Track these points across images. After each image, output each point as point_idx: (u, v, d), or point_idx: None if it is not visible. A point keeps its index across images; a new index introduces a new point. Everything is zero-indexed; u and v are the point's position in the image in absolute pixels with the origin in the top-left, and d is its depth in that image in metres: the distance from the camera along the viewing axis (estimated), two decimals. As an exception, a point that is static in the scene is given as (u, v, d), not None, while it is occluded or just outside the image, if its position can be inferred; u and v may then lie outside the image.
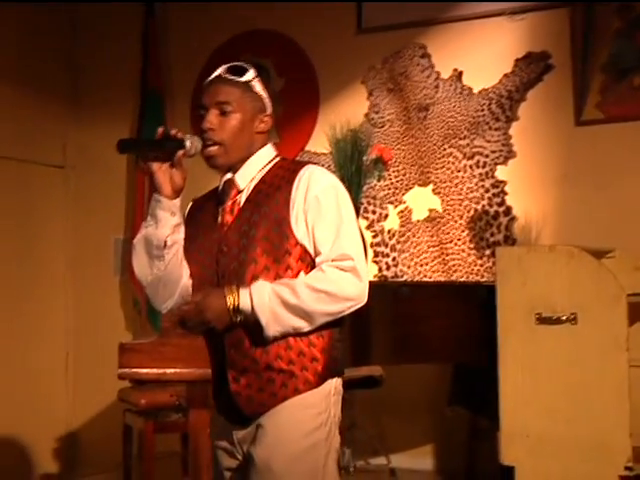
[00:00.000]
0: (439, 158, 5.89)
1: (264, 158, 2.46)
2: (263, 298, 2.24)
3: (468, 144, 5.80)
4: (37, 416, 6.33)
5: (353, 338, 4.23)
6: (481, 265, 5.70)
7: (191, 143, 2.36)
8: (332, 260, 2.28)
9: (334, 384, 2.42)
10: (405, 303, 4.46)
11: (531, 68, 5.65)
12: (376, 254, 5.99)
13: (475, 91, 5.79)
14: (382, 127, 6.05)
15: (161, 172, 2.36)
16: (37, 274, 6.45)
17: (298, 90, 6.31)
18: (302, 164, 2.43)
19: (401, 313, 4.45)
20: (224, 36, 6.54)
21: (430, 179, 5.91)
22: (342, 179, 4.79)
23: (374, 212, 6.03)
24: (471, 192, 5.77)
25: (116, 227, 6.75)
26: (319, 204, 2.32)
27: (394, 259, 5.98)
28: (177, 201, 2.40)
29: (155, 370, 4.25)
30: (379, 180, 5.53)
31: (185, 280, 2.45)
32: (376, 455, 5.80)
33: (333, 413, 2.41)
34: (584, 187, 5.48)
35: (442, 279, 5.81)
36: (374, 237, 6.01)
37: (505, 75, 5.70)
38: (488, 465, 4.81)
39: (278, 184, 2.38)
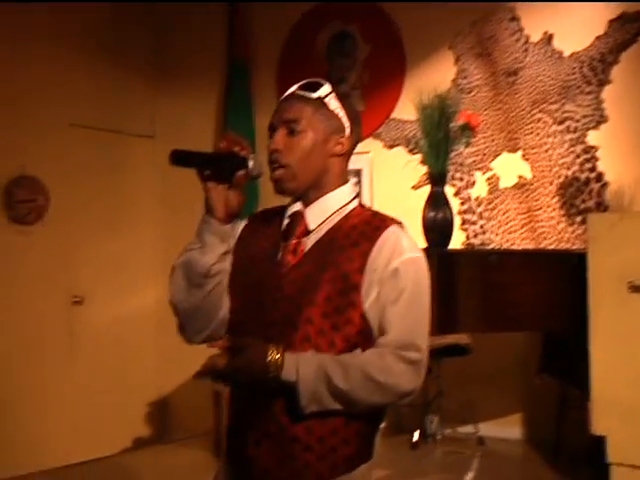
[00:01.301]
0: (528, 124, 5.78)
1: (342, 199, 2.12)
2: (309, 374, 1.91)
3: (558, 109, 5.67)
4: (128, 381, 6.49)
5: (439, 305, 4.21)
6: (571, 232, 5.60)
7: (254, 163, 2.09)
8: (397, 347, 1.97)
9: (364, 472, 2.07)
10: (493, 271, 4.41)
11: (625, 29, 5.48)
12: (463, 222, 5.94)
13: (566, 54, 5.66)
14: (470, 93, 5.97)
15: (216, 191, 2.09)
16: (129, 242, 6.58)
17: (384, 57, 6.26)
18: (386, 221, 2.07)
19: (489, 281, 4.41)
20: (310, 4, 6.52)
21: (519, 145, 5.81)
22: (429, 146, 4.81)
23: (461, 179, 5.97)
24: (561, 158, 5.66)
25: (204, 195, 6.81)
26: (398, 279, 1.99)
27: (482, 227, 5.91)
28: (229, 227, 2.11)
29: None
30: (466, 147, 5.47)
31: (224, 314, 2.14)
32: (464, 423, 5.78)
33: None
34: (680, 152, 5.32)
35: (531, 247, 5.72)
36: (461, 204, 5.95)
37: (597, 37, 5.54)
38: (578, 435, 4.76)
39: (356, 239, 2.04)
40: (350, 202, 2.13)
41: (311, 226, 2.09)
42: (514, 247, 5.77)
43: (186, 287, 2.11)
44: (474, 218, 5.94)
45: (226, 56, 6.70)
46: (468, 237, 5.94)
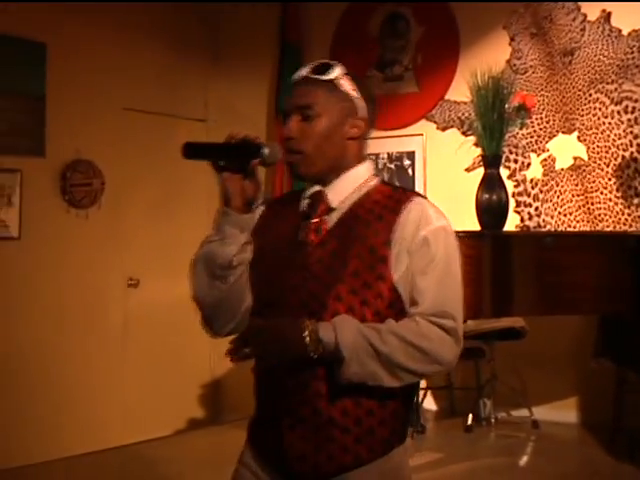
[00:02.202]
0: (585, 104, 5.68)
1: (361, 176, 2.08)
2: (348, 334, 1.88)
3: (616, 89, 5.57)
4: (182, 363, 6.54)
5: (493, 288, 4.17)
6: (629, 214, 5.50)
7: (270, 151, 2.01)
8: (431, 315, 1.93)
9: (402, 454, 2.04)
10: (549, 253, 4.35)
11: (684, 6, 5.36)
12: (518, 204, 5.87)
13: (624, 32, 5.55)
14: (525, 73, 5.89)
15: (232, 181, 2.02)
16: (182, 225, 6.62)
17: (437, 38, 6.21)
18: (408, 194, 2.04)
19: (545, 263, 4.35)
20: (362, -15, 6.49)
21: (575, 126, 5.72)
22: (483, 128, 4.75)
23: (516, 161, 5.90)
24: (619, 139, 5.56)
25: (257, 179, 6.83)
26: (428, 248, 1.95)
27: (537, 209, 5.84)
28: (248, 217, 2.05)
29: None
30: (521, 128, 5.40)
31: (248, 304, 2.10)
32: (518, 407, 5.73)
33: None
34: None
35: (587, 229, 5.64)
36: (516, 187, 5.89)
37: (657, 15, 5.43)
38: (636, 419, 4.69)
39: (379, 212, 2.00)
40: (369, 179, 2.08)
41: (333, 203, 2.04)
42: (570, 229, 5.69)
43: (209, 281, 2.06)
44: (529, 200, 5.87)
45: (278, 40, 6.69)
46: (523, 219, 5.88)
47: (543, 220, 5.81)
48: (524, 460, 5.12)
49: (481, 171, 4.92)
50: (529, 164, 5.87)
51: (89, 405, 5.85)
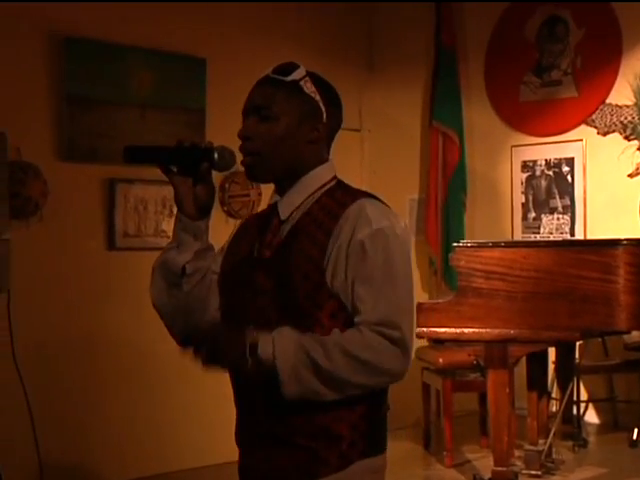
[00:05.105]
0: None
1: (320, 179, 1.99)
2: (287, 350, 1.81)
3: None
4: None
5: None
6: None
7: (220, 155, 1.95)
8: (374, 324, 1.83)
9: (365, 469, 1.92)
10: None
11: None
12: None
13: None
14: (692, 74, 5.64)
15: (183, 187, 1.97)
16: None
17: (599, 40, 6.03)
18: (355, 196, 1.94)
19: None
20: (518, -11, 6.38)
21: None
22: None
23: (683, 166, 5.65)
24: None
25: (411, 187, 6.83)
26: (364, 252, 1.85)
27: None
28: (203, 223, 2.01)
29: (452, 329, 4.27)
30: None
31: (212, 315, 2.03)
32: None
33: None
34: None
35: None
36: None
37: None
38: None
39: (322, 219, 1.92)
40: (328, 183, 1.99)
41: (283, 216, 1.97)
42: None
43: (166, 288, 2.01)
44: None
45: (434, 47, 6.65)
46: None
47: None
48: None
49: (645, 177, 4.75)
50: (697, 169, 5.62)
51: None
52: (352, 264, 1.86)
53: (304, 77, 1.97)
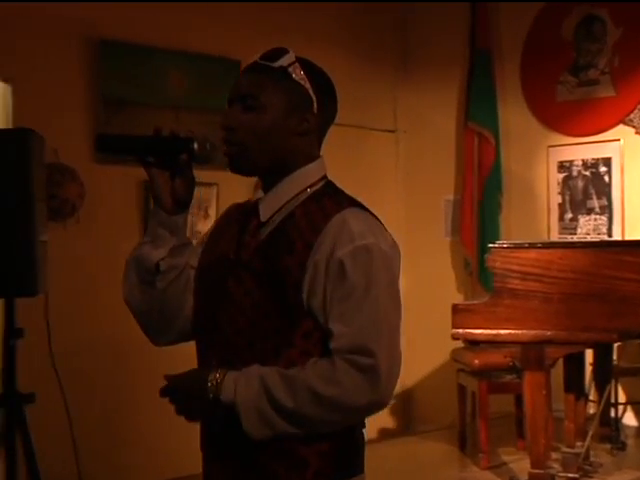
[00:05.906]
0: None
1: (308, 178, 1.84)
2: (249, 393, 1.69)
3: None
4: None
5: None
6: None
7: (200, 145, 1.84)
8: (347, 352, 1.68)
9: None
10: None
11: None
12: None
13: None
14: None
15: (160, 179, 1.85)
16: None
17: (637, 39, 5.96)
18: (341, 205, 1.78)
19: None
20: (554, -12, 6.33)
21: None
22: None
23: None
24: None
25: (446, 188, 6.80)
26: (343, 272, 1.70)
27: None
28: (180, 217, 1.88)
29: (488, 331, 4.25)
30: None
31: (187, 312, 1.92)
32: None
33: None
34: None
35: None
36: None
37: None
38: None
39: (304, 228, 1.75)
40: (316, 183, 1.84)
41: (263, 218, 1.81)
42: None
43: (138, 284, 1.90)
44: None
45: (468, 47, 6.63)
46: None
47: None
48: None
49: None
50: None
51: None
52: (331, 283, 1.71)
53: (293, 63, 1.82)
